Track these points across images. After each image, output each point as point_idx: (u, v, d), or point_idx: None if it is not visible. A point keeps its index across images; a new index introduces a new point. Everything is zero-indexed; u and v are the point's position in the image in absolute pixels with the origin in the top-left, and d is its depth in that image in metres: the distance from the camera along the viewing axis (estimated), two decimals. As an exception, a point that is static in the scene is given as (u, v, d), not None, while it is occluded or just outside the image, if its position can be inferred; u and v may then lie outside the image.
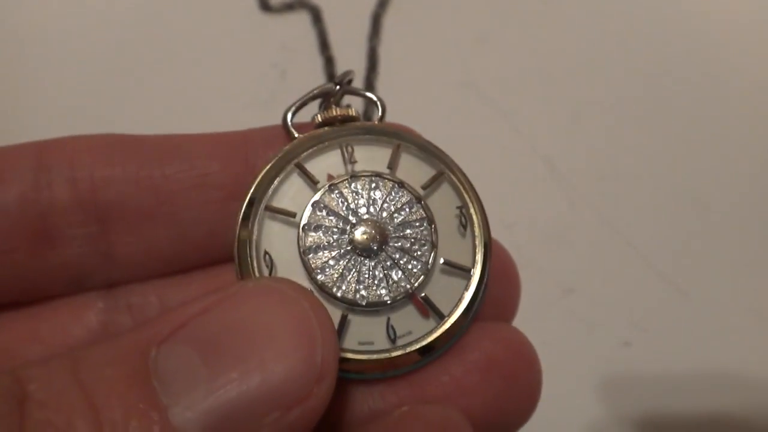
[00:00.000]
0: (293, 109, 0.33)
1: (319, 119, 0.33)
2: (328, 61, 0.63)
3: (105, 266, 0.31)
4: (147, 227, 0.31)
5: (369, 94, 0.34)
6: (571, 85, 0.62)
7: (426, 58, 0.64)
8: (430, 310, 0.31)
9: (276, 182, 0.32)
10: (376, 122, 0.33)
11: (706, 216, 0.56)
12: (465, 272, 0.31)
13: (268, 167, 0.31)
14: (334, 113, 0.33)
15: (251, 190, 0.31)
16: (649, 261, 0.55)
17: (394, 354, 0.30)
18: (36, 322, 0.31)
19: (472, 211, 0.32)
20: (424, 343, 0.30)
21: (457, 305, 0.31)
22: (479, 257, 0.32)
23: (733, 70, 0.63)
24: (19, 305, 0.32)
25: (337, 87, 0.33)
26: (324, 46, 0.64)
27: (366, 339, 0.30)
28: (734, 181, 0.58)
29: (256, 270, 0.30)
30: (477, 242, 0.32)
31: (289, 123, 0.32)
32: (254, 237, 0.31)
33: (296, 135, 0.32)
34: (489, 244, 0.32)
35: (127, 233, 0.31)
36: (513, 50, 0.65)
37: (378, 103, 0.34)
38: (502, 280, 0.33)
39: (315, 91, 0.33)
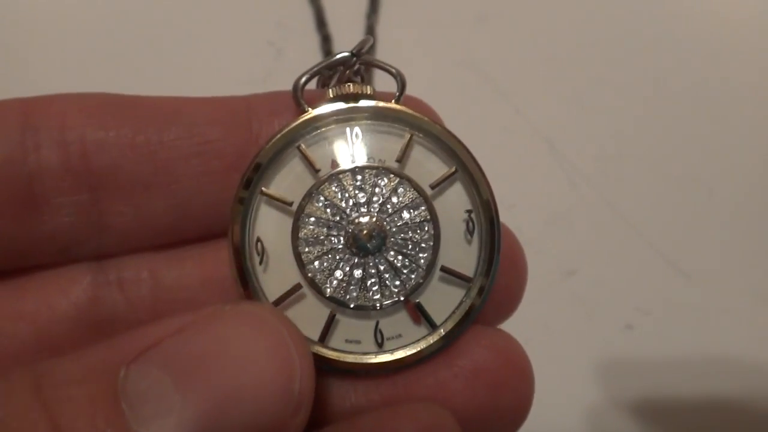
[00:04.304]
0: (305, 78, 0.30)
1: (331, 95, 0.30)
2: (325, 39, 0.61)
3: (96, 236, 0.30)
4: (142, 197, 0.29)
5: (388, 66, 0.31)
6: (572, 64, 0.61)
7: (425, 37, 0.63)
8: (423, 318, 0.29)
9: (275, 165, 0.29)
10: (393, 102, 0.30)
11: (709, 198, 0.56)
12: (465, 282, 0.30)
13: (268, 146, 0.29)
14: (348, 90, 0.30)
15: (249, 171, 0.29)
16: (652, 243, 0.54)
17: (380, 358, 0.29)
18: (20, 299, 0.29)
19: (482, 217, 0.30)
20: (411, 351, 0.29)
21: (451, 316, 0.30)
22: (482, 267, 0.30)
23: (739, 49, 0.62)
24: (2, 277, 0.30)
25: (354, 58, 0.30)
26: (321, 23, 0.62)
27: (353, 337, 0.29)
28: (738, 163, 0.57)
29: (247, 257, 0.29)
30: (482, 251, 0.30)
31: (299, 94, 0.30)
32: (248, 222, 0.29)
33: (306, 108, 0.30)
34: (496, 254, 0.30)
35: (120, 203, 0.29)
36: (514, 29, 0.63)
37: (398, 77, 0.31)
38: (508, 270, 0.31)
39: (329, 60, 0.30)
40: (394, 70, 0.31)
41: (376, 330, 0.29)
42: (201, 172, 0.29)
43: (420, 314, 0.29)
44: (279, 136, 0.29)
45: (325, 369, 0.29)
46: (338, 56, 0.30)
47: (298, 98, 0.30)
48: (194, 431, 0.21)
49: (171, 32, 0.62)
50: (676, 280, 0.53)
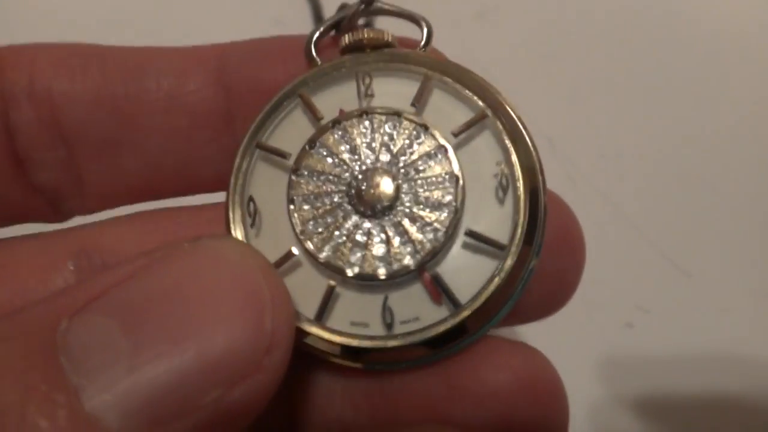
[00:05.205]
0: (317, 34, 0.27)
1: (344, 42, 0.27)
2: (323, 36, 0.61)
3: (80, 193, 0.28)
4: (112, 154, 0.27)
5: (410, 11, 0.27)
6: (571, 62, 0.61)
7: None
8: (444, 295, 0.24)
9: (275, 117, 0.26)
10: (418, 50, 0.27)
11: (709, 195, 0.55)
12: (497, 250, 0.24)
13: (274, 99, 0.26)
14: (361, 36, 0.26)
15: (253, 125, 0.26)
16: (652, 241, 0.53)
17: (390, 344, 0.24)
18: None
19: (517, 169, 0.25)
20: (427, 335, 0.24)
21: (480, 293, 0.24)
22: (520, 232, 0.24)
23: (741, 48, 0.62)
24: None
25: (363, 5, 0.27)
26: (318, 20, 0.62)
27: (359, 319, 0.24)
28: (739, 162, 0.57)
29: (237, 218, 0.25)
30: (520, 211, 0.24)
31: (313, 51, 0.27)
32: (240, 180, 0.26)
33: (319, 63, 0.27)
34: (539, 215, 0.24)
35: (93, 160, 0.27)
36: (513, 26, 0.63)
37: (422, 23, 0.27)
38: (560, 250, 0.26)
39: (343, 13, 0.27)
40: (417, 16, 0.27)
41: (385, 308, 0.24)
42: (170, 128, 0.27)
43: (440, 290, 0.24)
44: (288, 86, 0.26)
45: (323, 358, 0.24)
46: (350, 5, 0.27)
47: (312, 56, 0.27)
48: (146, 379, 0.18)
49: (166, 28, 0.61)
50: (677, 278, 0.52)
